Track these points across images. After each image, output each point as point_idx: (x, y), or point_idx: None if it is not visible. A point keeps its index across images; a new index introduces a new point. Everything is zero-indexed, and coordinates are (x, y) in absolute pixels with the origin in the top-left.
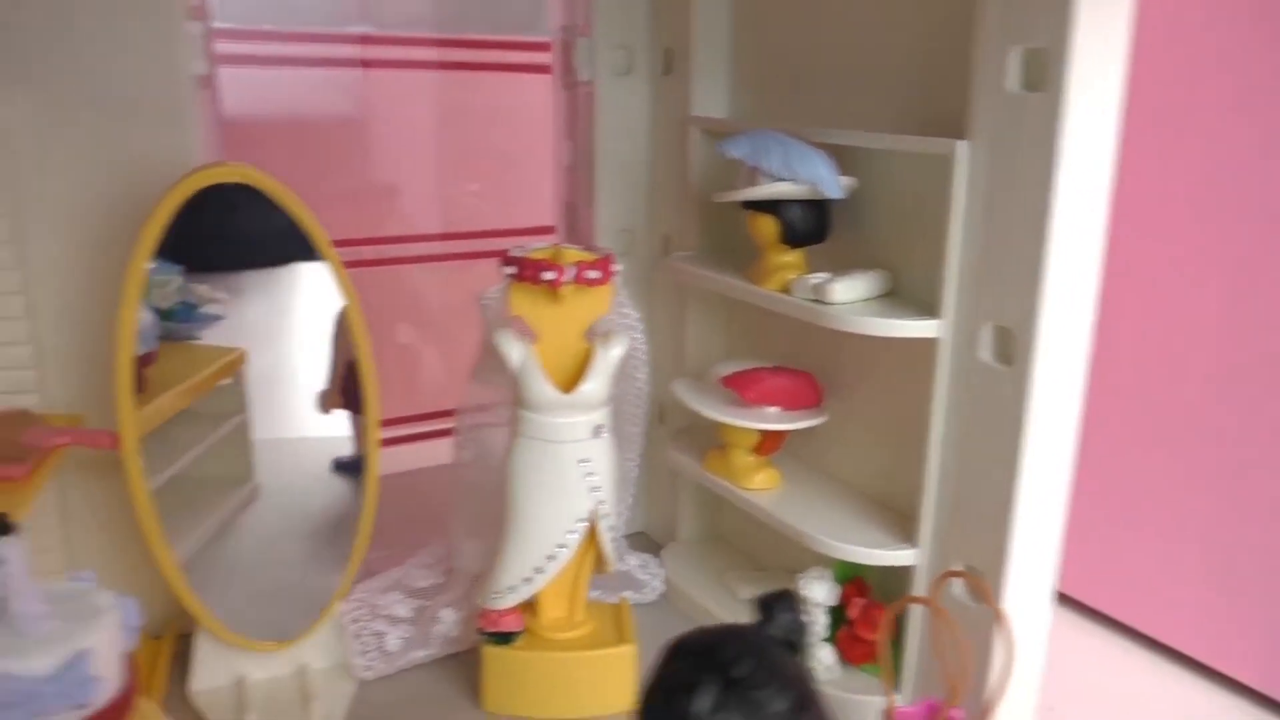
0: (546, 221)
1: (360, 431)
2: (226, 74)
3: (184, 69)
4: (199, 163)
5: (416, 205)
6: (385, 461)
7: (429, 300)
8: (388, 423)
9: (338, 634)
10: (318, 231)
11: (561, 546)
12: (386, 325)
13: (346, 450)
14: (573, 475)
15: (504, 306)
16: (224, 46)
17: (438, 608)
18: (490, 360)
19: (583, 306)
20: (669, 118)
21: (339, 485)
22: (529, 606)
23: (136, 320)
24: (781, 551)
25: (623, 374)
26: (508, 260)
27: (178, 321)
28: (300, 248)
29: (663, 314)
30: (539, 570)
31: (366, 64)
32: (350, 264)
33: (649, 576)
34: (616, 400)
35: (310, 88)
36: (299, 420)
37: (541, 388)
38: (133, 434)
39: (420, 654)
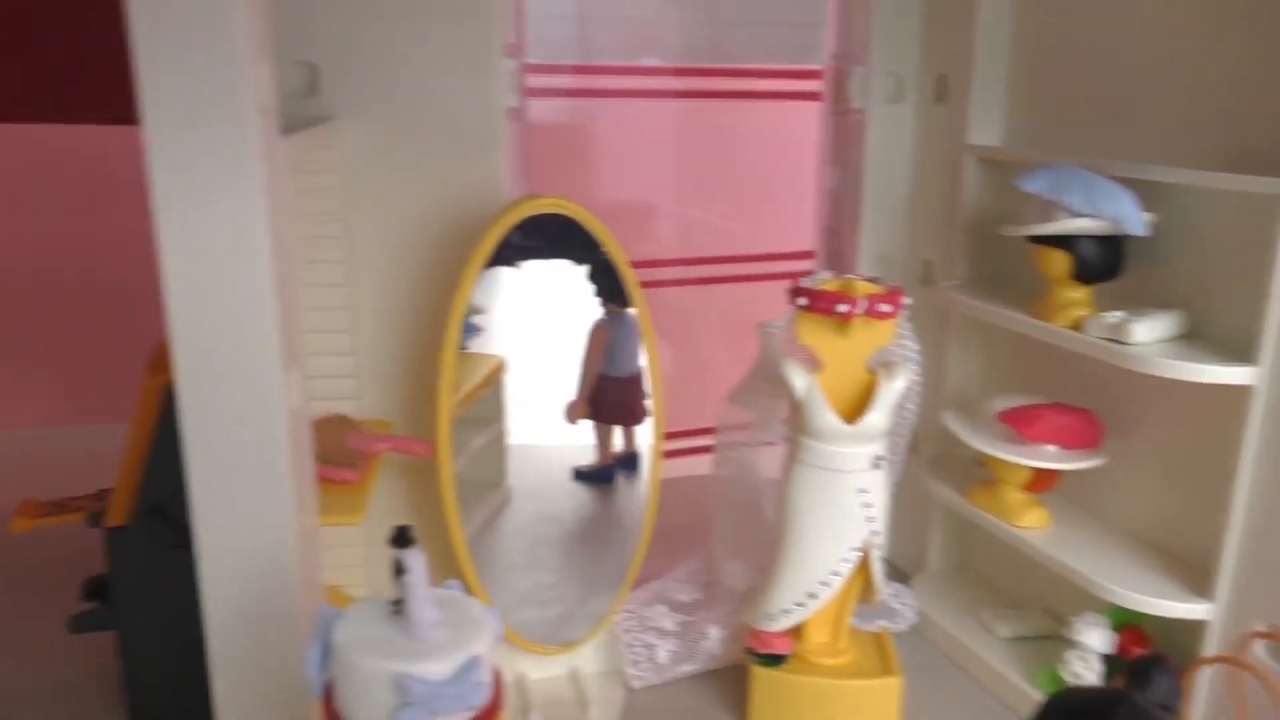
0: (805, 246)
1: (604, 442)
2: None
3: (498, 101)
4: (507, 189)
5: (669, 228)
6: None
7: (679, 320)
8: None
9: (610, 642)
10: (622, 259)
11: (835, 574)
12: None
13: (587, 460)
14: (851, 504)
15: (790, 336)
16: (531, 80)
17: (704, 624)
18: (757, 384)
19: (867, 338)
20: (939, 145)
21: (581, 493)
22: (794, 630)
23: (460, 338)
24: (1042, 591)
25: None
26: (798, 291)
27: None
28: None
29: (920, 343)
30: (812, 596)
31: (643, 94)
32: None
33: (902, 606)
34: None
35: (589, 116)
36: (544, 428)
37: (826, 417)
38: (448, 445)
39: (686, 668)
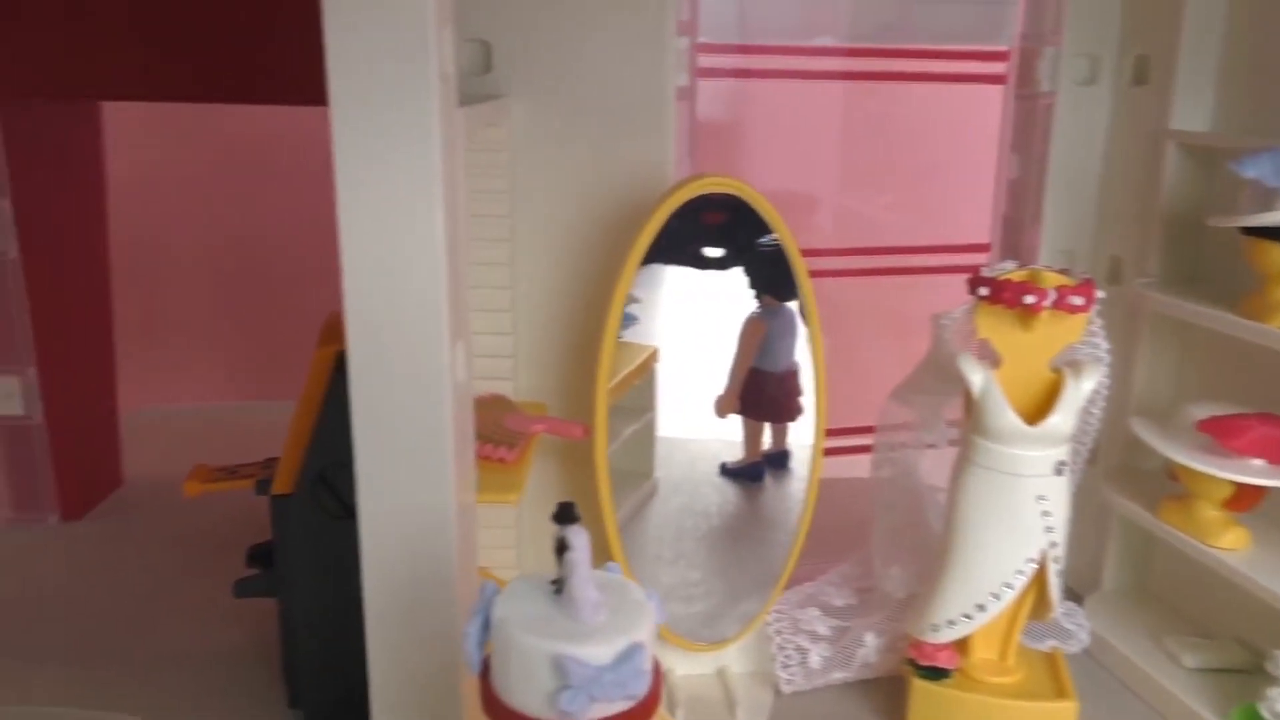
0: (979, 238)
1: (753, 439)
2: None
3: (668, 81)
4: (673, 172)
5: (833, 217)
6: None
7: (839, 314)
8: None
9: (760, 643)
10: (793, 244)
11: (1007, 586)
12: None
13: (735, 456)
14: (1028, 512)
15: (967, 329)
16: (700, 59)
17: (860, 630)
18: (924, 381)
19: (1053, 334)
20: (1136, 131)
21: (728, 490)
22: (959, 644)
23: (620, 321)
24: (1237, 619)
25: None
26: (980, 280)
27: None
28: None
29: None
30: (980, 608)
31: (812, 75)
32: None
33: (1075, 627)
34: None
35: (754, 98)
36: (691, 420)
37: (1006, 417)
38: (603, 429)
39: (839, 675)
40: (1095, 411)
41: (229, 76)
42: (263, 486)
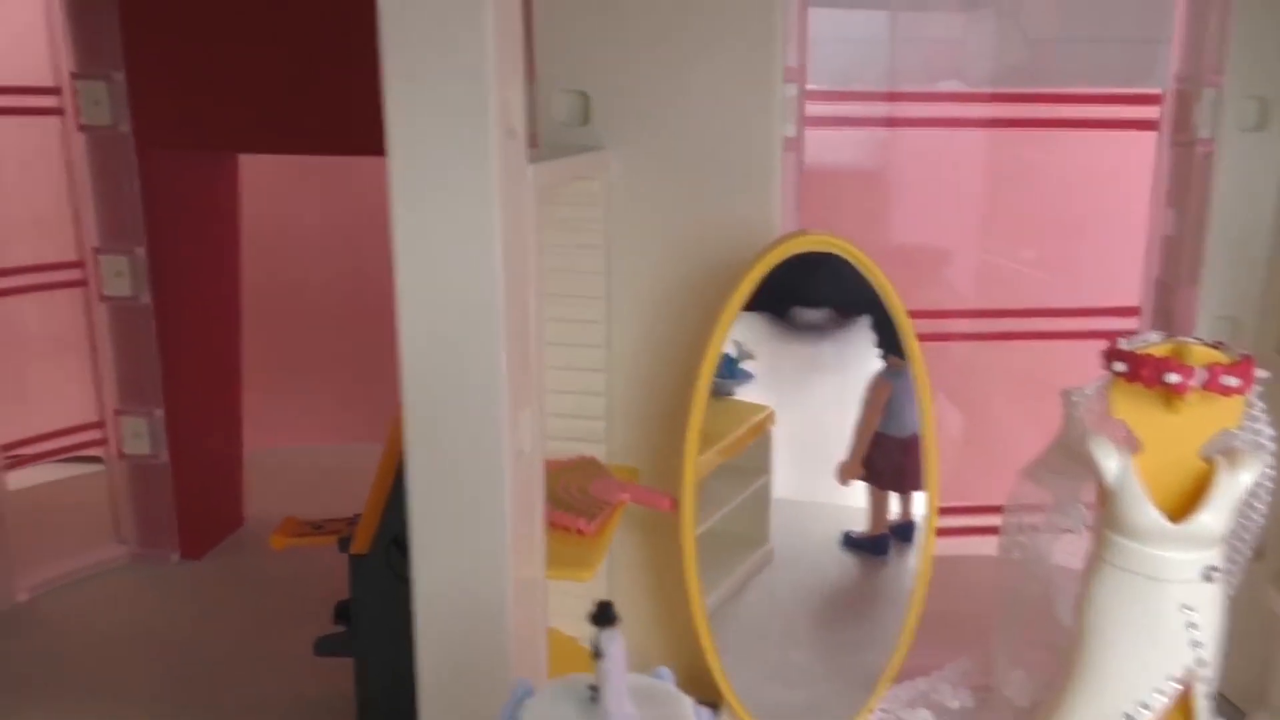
0: (1127, 301)
1: (878, 508)
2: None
3: (775, 131)
4: (779, 227)
5: (963, 274)
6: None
7: (970, 379)
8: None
9: None
10: (898, 305)
11: (1144, 706)
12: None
13: (859, 525)
14: (1171, 622)
15: (1101, 407)
16: (811, 108)
17: None
18: (1058, 461)
19: (1204, 418)
20: None
21: (849, 562)
22: None
23: (709, 387)
24: None
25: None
26: (1116, 354)
27: (719, 376)
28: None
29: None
30: None
31: (939, 123)
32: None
33: None
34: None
35: (874, 148)
36: (812, 485)
37: (1145, 512)
38: (691, 501)
39: None
40: (1258, 507)
41: (356, 130)
42: (344, 544)
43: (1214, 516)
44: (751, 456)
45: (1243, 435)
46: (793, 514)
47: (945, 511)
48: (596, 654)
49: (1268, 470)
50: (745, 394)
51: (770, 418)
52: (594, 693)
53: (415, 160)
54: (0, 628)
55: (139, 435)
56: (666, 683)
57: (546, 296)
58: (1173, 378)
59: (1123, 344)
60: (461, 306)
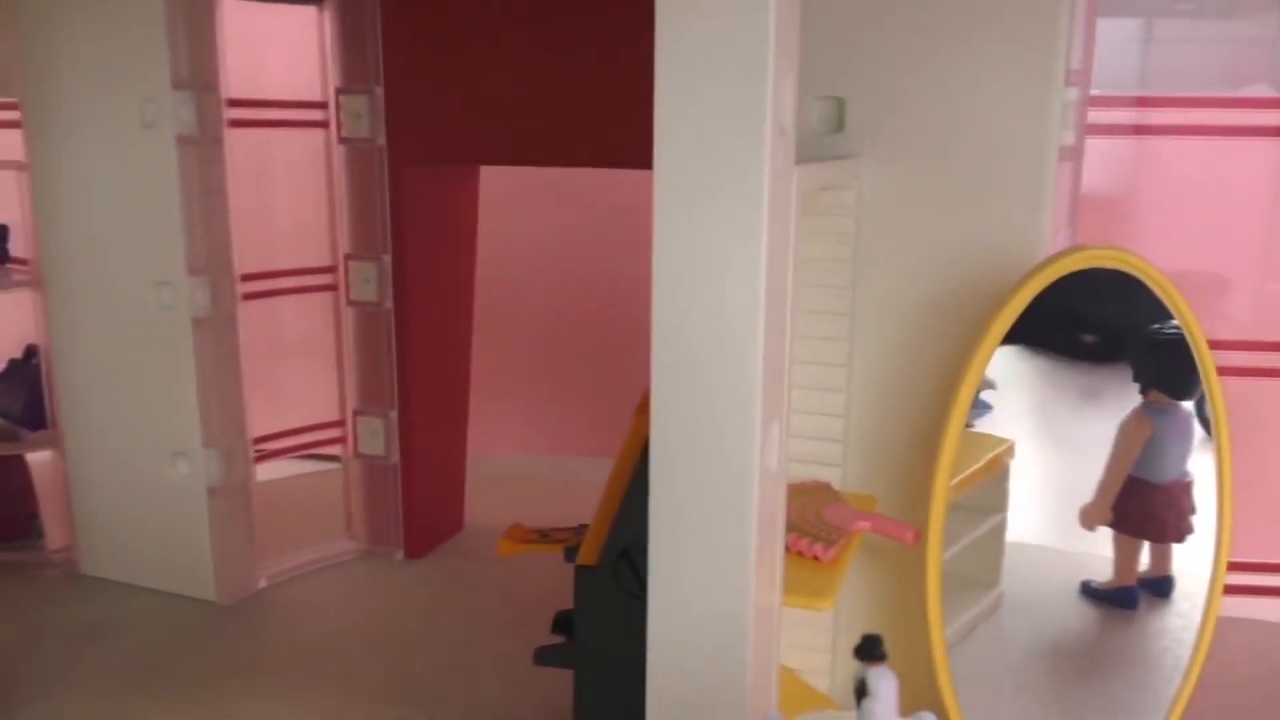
0: None
1: (1127, 557)
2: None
3: (1051, 139)
4: (1048, 244)
5: (1247, 303)
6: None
7: (1259, 421)
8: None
9: None
10: (1199, 333)
11: None
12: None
13: (1102, 574)
14: None
15: None
16: (1094, 114)
17: None
18: None
19: None
20: None
21: (1089, 614)
22: None
23: (967, 412)
24: None
25: None
26: None
27: None
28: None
29: None
30: None
31: (1236, 132)
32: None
33: None
34: None
35: (1159, 159)
36: (1053, 528)
37: None
38: (939, 535)
39: None
40: None
41: (589, 142)
42: (570, 554)
43: None
44: (986, 494)
45: None
46: (1029, 558)
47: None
48: (861, 692)
49: None
50: (984, 425)
51: (1009, 451)
52: None
53: (682, 162)
54: (240, 614)
55: (374, 435)
56: None
57: (796, 313)
58: None
59: None
60: (720, 312)
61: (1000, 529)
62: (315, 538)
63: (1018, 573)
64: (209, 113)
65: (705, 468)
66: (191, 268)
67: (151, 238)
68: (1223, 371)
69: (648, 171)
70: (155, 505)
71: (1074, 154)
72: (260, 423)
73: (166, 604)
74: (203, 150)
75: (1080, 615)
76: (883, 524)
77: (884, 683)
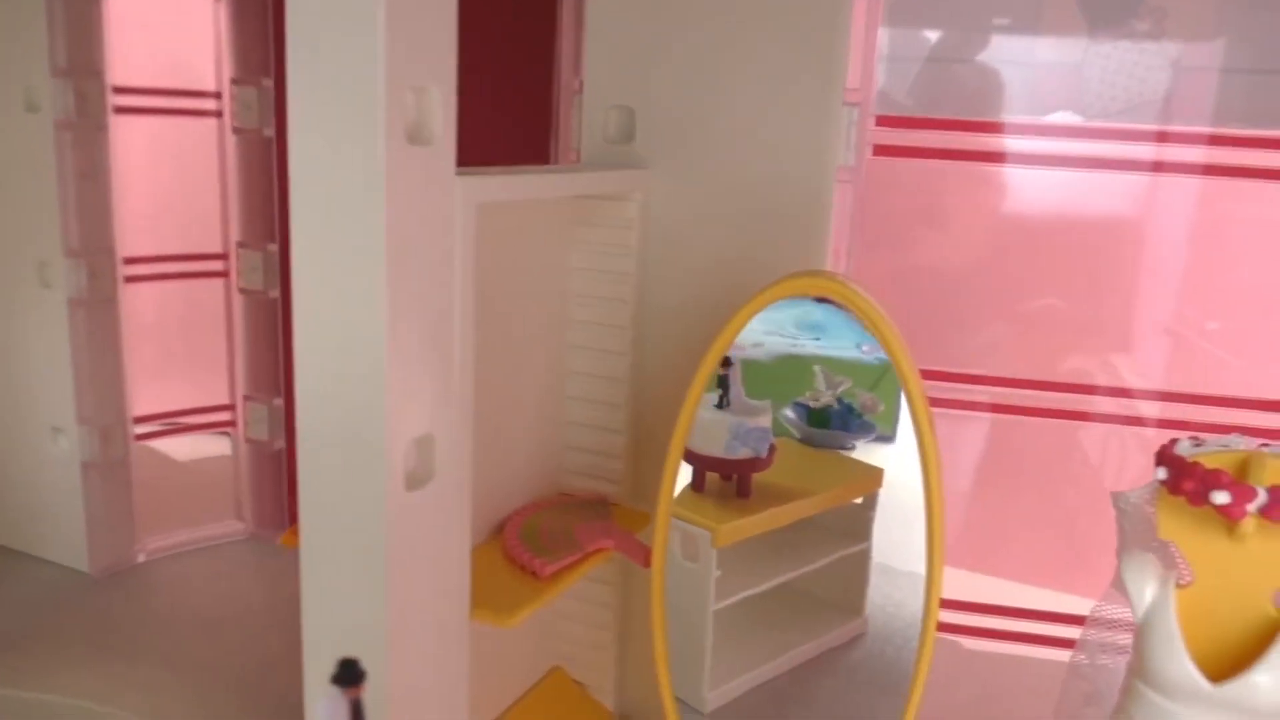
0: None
1: None
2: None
3: (828, 160)
4: (825, 264)
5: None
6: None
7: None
8: (981, 609)
9: None
10: (907, 365)
11: None
12: (1051, 484)
13: None
14: None
15: (1147, 519)
16: (880, 135)
17: None
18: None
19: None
20: None
21: None
22: None
23: (688, 432)
24: None
25: None
26: (1163, 457)
27: (832, 428)
28: None
29: None
30: None
31: (1043, 161)
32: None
33: None
34: None
35: (945, 183)
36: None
37: (1177, 661)
38: (662, 553)
39: None
40: None
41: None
42: None
43: (1270, 680)
44: (852, 519)
45: None
46: (901, 586)
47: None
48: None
49: None
50: (870, 451)
51: (878, 479)
52: None
53: (315, 174)
54: (111, 586)
55: (260, 421)
56: None
57: (569, 323)
58: (1221, 497)
59: (1184, 446)
60: (349, 324)
61: (864, 556)
62: (204, 518)
63: (886, 602)
64: (92, 99)
65: (345, 476)
66: (69, 250)
67: (31, 220)
68: (1082, 415)
69: None
70: (35, 477)
71: (856, 175)
72: (150, 404)
73: (39, 570)
74: (82, 135)
75: None
76: (624, 542)
77: (327, 706)
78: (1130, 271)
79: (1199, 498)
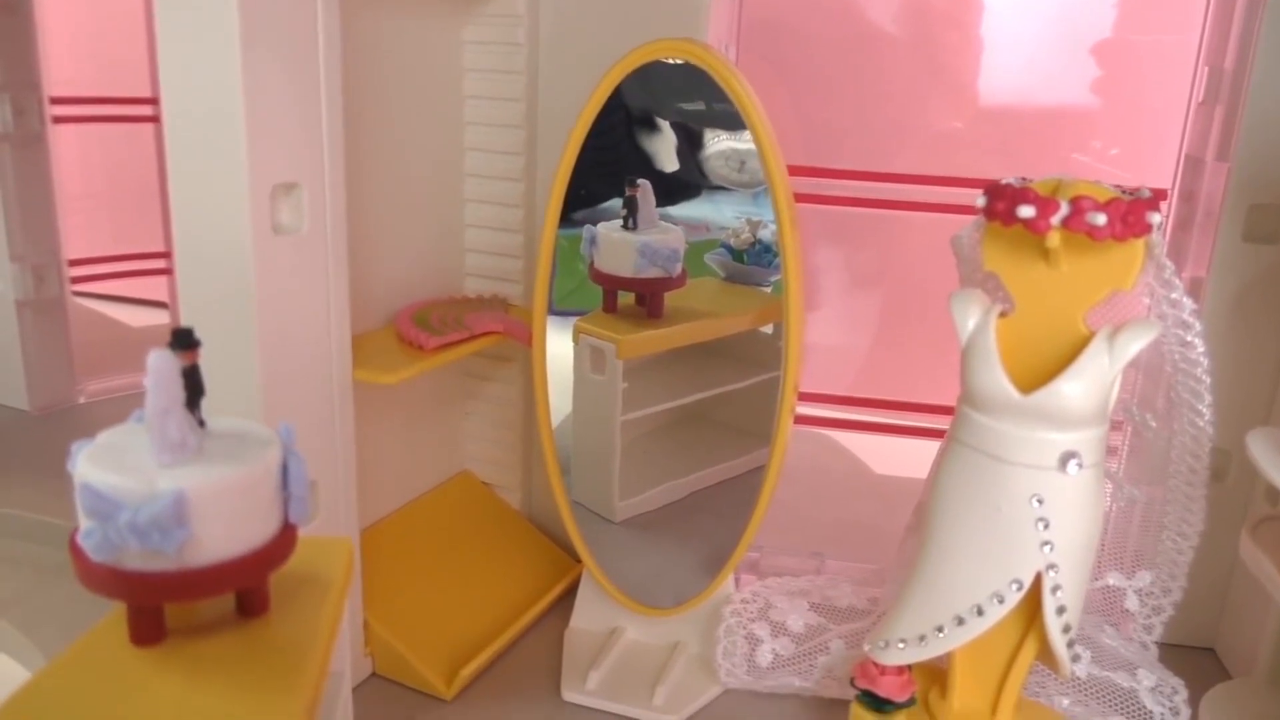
0: (1157, 182)
1: None
2: None
3: None
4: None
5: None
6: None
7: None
8: (843, 401)
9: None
10: (763, 130)
11: (978, 611)
12: (872, 280)
13: None
14: (1019, 515)
15: (978, 260)
16: None
17: (832, 635)
18: None
19: (1092, 275)
20: None
21: None
22: (933, 678)
23: (557, 224)
24: None
25: (1174, 402)
26: (986, 187)
27: (748, 264)
28: None
29: (1261, 324)
30: (940, 631)
31: None
32: (842, 200)
33: (1161, 708)
34: (1164, 442)
35: None
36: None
37: (991, 376)
38: (543, 335)
39: (795, 681)
40: (1201, 407)
41: None
42: None
43: (1075, 387)
44: (762, 348)
45: (1144, 303)
46: None
47: (872, 405)
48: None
49: (1192, 356)
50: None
51: (779, 310)
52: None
53: None
54: (51, 423)
55: None
56: (259, 431)
57: (464, 125)
58: (1026, 211)
59: (1010, 179)
60: (209, 68)
61: (774, 386)
62: (144, 364)
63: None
64: (29, 112)
65: (216, 222)
66: (13, 255)
67: None
68: (902, 205)
69: None
70: None
71: None
72: (85, 248)
73: None
74: (20, 149)
75: None
76: (510, 325)
77: (159, 362)
78: None
79: (1009, 216)
